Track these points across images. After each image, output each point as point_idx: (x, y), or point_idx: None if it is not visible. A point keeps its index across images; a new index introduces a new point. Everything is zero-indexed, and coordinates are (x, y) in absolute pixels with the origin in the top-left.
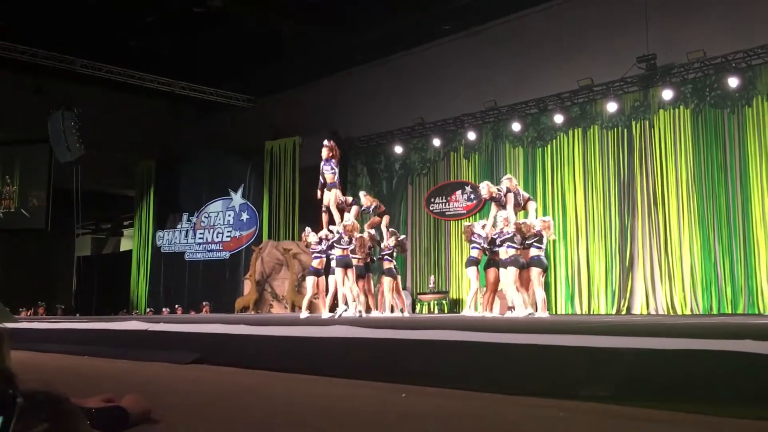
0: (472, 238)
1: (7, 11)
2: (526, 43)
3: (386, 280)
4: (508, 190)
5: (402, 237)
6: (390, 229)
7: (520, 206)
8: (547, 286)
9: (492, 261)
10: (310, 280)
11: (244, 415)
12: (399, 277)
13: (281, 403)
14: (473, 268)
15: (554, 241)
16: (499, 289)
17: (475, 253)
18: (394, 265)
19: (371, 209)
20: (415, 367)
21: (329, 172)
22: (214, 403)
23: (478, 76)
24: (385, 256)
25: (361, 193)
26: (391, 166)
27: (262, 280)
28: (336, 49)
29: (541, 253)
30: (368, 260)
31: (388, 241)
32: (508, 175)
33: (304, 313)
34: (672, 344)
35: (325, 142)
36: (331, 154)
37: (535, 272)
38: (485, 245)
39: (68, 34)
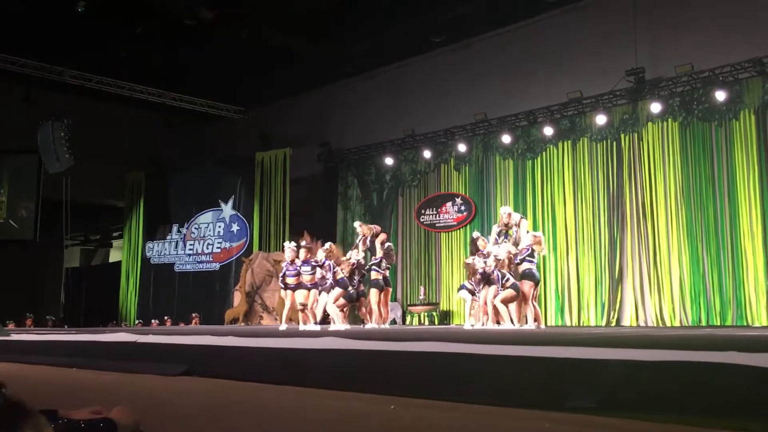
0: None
1: None
2: (515, 56)
3: (372, 292)
4: (506, 224)
5: (388, 245)
6: (384, 245)
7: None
8: (537, 299)
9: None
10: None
11: (234, 427)
12: (389, 289)
13: (271, 415)
14: (465, 292)
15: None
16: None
17: (469, 285)
18: (383, 277)
19: (370, 239)
20: (404, 378)
21: (308, 273)
22: (204, 415)
23: (468, 89)
24: (373, 267)
25: (356, 224)
26: (382, 177)
27: (252, 291)
28: (326, 60)
29: (533, 267)
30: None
31: (378, 252)
32: (508, 209)
33: (283, 326)
34: (658, 356)
35: (303, 243)
36: (308, 255)
37: (526, 285)
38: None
39: (58, 44)
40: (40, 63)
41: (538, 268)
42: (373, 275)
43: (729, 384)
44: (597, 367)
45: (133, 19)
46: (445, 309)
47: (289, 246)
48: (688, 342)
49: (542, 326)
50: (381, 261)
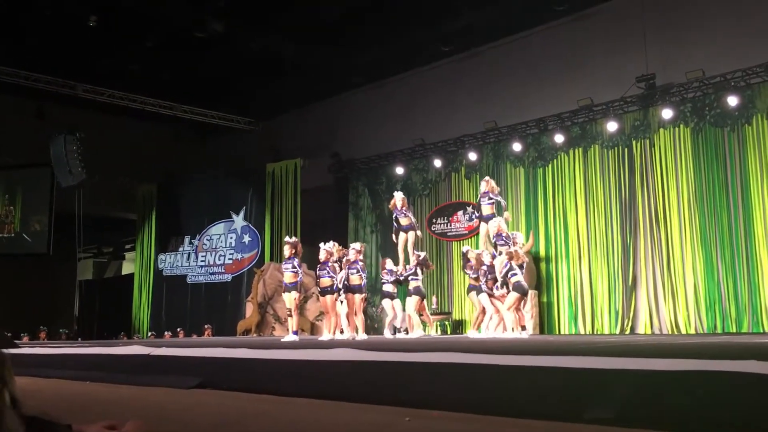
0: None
1: (9, 36)
2: (525, 63)
3: (414, 300)
4: (485, 194)
5: (423, 254)
6: (416, 253)
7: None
8: (550, 306)
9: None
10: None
11: None
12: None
13: (285, 428)
14: (477, 293)
15: (557, 260)
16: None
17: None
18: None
19: (403, 211)
20: (419, 389)
21: (289, 270)
22: (218, 429)
23: (478, 97)
24: (410, 277)
25: (398, 194)
26: (393, 187)
27: (264, 302)
28: (336, 71)
29: (521, 278)
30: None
31: (411, 260)
32: (486, 177)
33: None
34: (676, 365)
35: (287, 238)
36: (293, 252)
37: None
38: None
39: (70, 58)
40: (53, 77)
41: (548, 274)
42: (413, 283)
43: (748, 394)
44: (614, 377)
45: (144, 32)
46: (457, 318)
47: (324, 247)
48: (706, 350)
49: (520, 332)
50: (416, 269)
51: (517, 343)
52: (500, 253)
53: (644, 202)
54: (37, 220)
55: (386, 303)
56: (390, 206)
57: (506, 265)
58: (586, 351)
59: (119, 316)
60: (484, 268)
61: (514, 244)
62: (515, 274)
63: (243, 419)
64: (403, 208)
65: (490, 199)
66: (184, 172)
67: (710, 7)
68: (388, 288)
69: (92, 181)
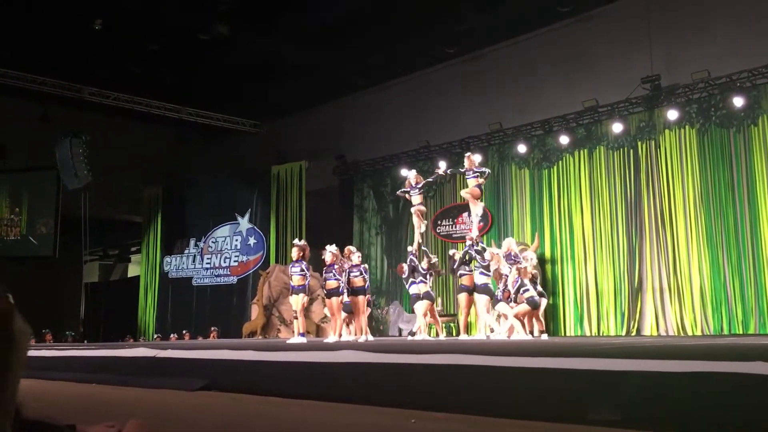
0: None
1: (15, 40)
2: (530, 65)
3: (424, 303)
4: (468, 170)
5: (434, 260)
6: (428, 256)
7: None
8: (555, 308)
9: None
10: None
11: None
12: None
13: (289, 430)
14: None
15: (563, 262)
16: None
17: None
18: (430, 288)
19: (416, 187)
20: (424, 391)
21: (297, 273)
22: (222, 430)
23: (482, 99)
24: (420, 279)
25: (412, 172)
26: (398, 188)
27: (270, 304)
28: (341, 72)
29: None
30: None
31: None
32: (467, 154)
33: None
34: (682, 367)
35: (296, 241)
36: (301, 255)
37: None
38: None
39: (75, 61)
40: (58, 81)
41: (556, 276)
42: (423, 287)
43: (755, 395)
44: (620, 378)
45: (149, 35)
46: None
47: (330, 249)
48: (712, 352)
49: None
50: (427, 273)
51: (519, 345)
52: (510, 271)
53: (650, 203)
54: (43, 223)
55: (418, 307)
56: (406, 185)
57: (517, 281)
58: (592, 353)
59: (125, 319)
60: (505, 277)
61: (525, 261)
62: (527, 290)
63: (247, 420)
64: (418, 184)
65: (474, 173)
66: (190, 175)
67: (715, 7)
68: (416, 290)
69: (97, 183)
